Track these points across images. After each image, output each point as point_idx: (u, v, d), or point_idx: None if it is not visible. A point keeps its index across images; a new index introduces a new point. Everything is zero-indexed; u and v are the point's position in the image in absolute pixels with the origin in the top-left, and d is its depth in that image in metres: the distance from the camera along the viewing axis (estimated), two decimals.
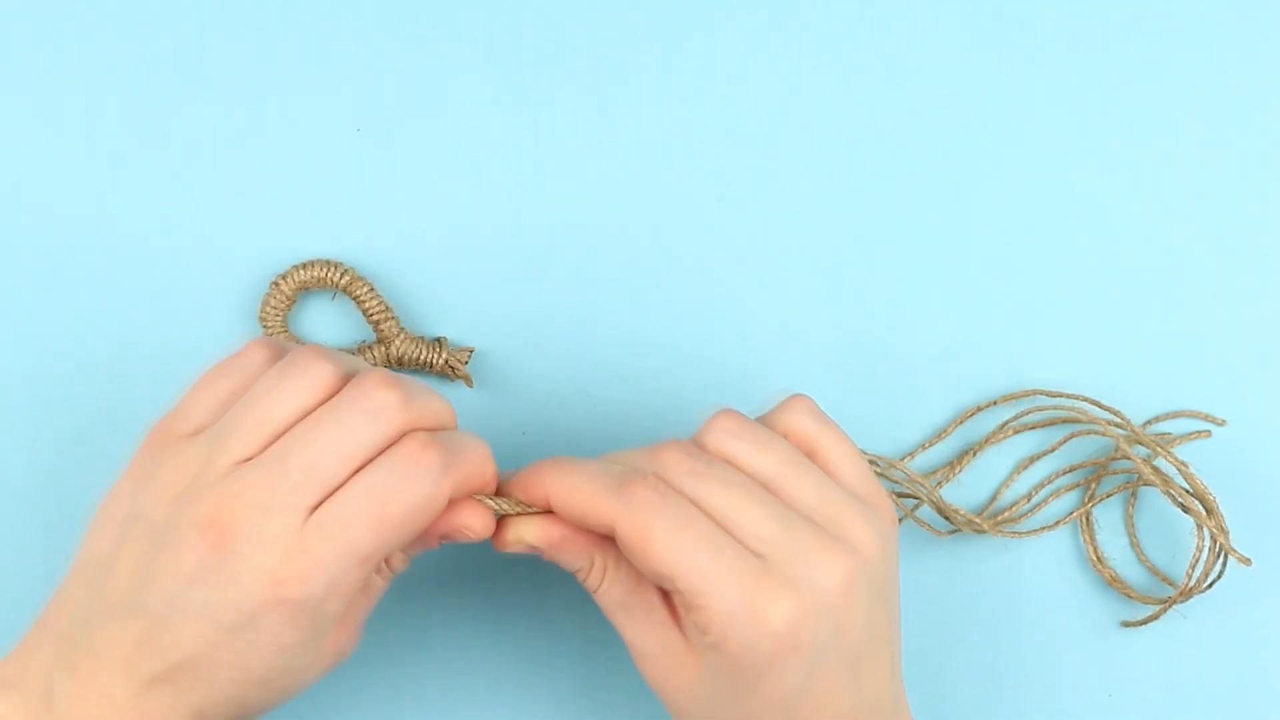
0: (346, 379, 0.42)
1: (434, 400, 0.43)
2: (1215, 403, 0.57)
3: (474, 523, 0.43)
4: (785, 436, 0.44)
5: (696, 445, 0.44)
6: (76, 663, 0.41)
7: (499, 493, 0.45)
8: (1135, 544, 0.56)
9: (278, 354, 0.44)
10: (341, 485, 0.40)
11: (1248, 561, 0.52)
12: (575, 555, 0.45)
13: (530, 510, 0.44)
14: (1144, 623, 0.54)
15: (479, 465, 0.43)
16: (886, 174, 0.57)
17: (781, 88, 0.57)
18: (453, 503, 0.43)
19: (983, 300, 0.57)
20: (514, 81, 0.57)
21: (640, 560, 0.42)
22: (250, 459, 0.41)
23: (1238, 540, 0.54)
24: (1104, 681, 0.55)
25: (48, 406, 0.54)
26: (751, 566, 0.41)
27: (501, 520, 0.45)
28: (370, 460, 0.41)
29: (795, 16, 0.58)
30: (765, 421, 0.45)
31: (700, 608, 0.41)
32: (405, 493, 0.40)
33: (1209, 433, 0.56)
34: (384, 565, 0.44)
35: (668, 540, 0.41)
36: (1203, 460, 0.56)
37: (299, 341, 0.54)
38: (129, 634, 0.40)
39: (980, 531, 0.54)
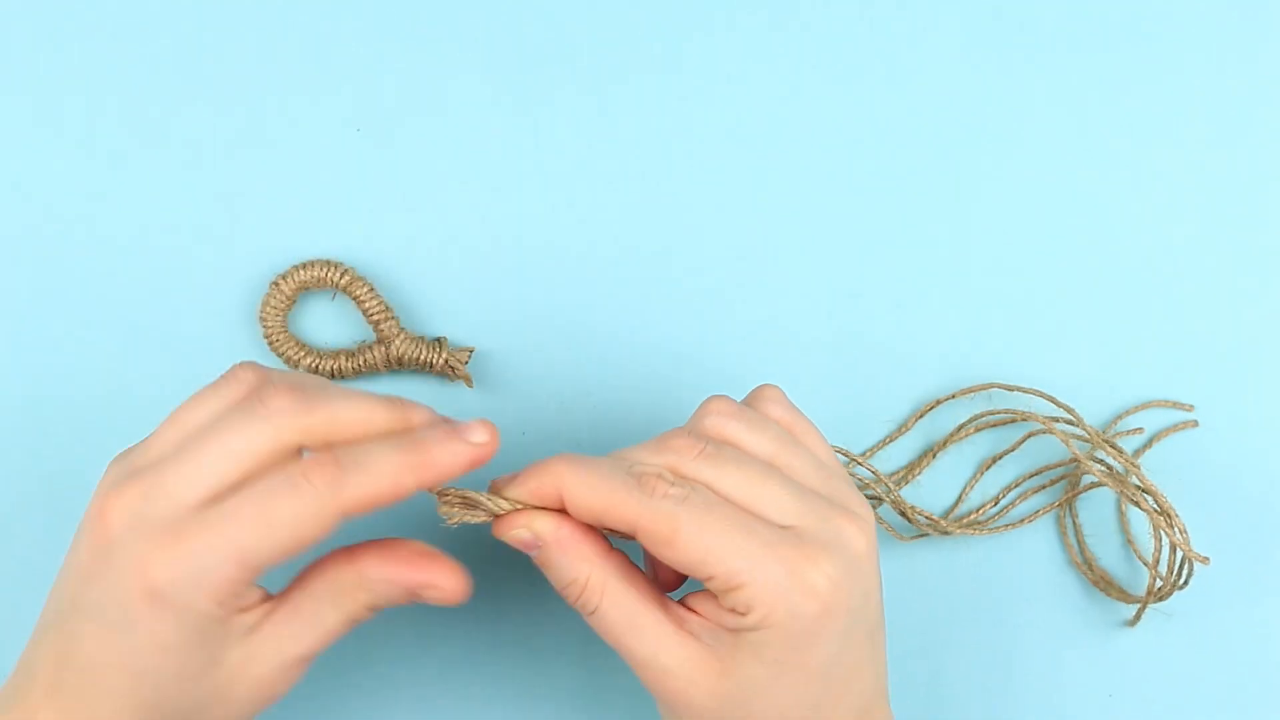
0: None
1: (352, 407, 0.42)
2: (1183, 396, 0.57)
3: (443, 582, 0.43)
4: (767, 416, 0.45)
5: (696, 430, 0.44)
6: (14, 697, 0.42)
7: (495, 491, 0.44)
8: (1131, 542, 0.56)
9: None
10: (235, 489, 0.40)
11: (1206, 560, 0.51)
12: (575, 563, 0.43)
13: (531, 507, 0.44)
14: (1131, 624, 0.55)
15: (386, 483, 0.41)
16: (871, 175, 0.57)
17: (779, 88, 0.57)
18: (422, 558, 0.43)
19: (954, 297, 0.57)
20: (514, 81, 0.57)
21: (670, 554, 0.41)
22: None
23: (1221, 538, 0.54)
24: (1104, 681, 0.55)
25: (48, 406, 0.54)
26: (786, 538, 0.41)
27: (508, 513, 0.44)
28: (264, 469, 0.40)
29: (795, 17, 0.58)
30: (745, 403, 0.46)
31: (741, 587, 0.41)
32: (289, 503, 0.39)
33: (1195, 423, 0.56)
34: (344, 603, 0.43)
35: (697, 530, 0.41)
36: (1180, 459, 0.56)
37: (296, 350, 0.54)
38: (51, 649, 0.41)
39: (943, 533, 0.54)
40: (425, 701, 0.54)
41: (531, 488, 0.43)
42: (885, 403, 0.56)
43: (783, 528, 0.42)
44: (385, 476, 0.41)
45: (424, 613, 0.54)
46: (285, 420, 0.41)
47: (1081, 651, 0.55)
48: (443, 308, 0.56)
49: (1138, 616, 0.54)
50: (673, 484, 0.41)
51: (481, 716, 0.54)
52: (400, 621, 0.53)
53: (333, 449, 0.41)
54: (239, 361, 0.44)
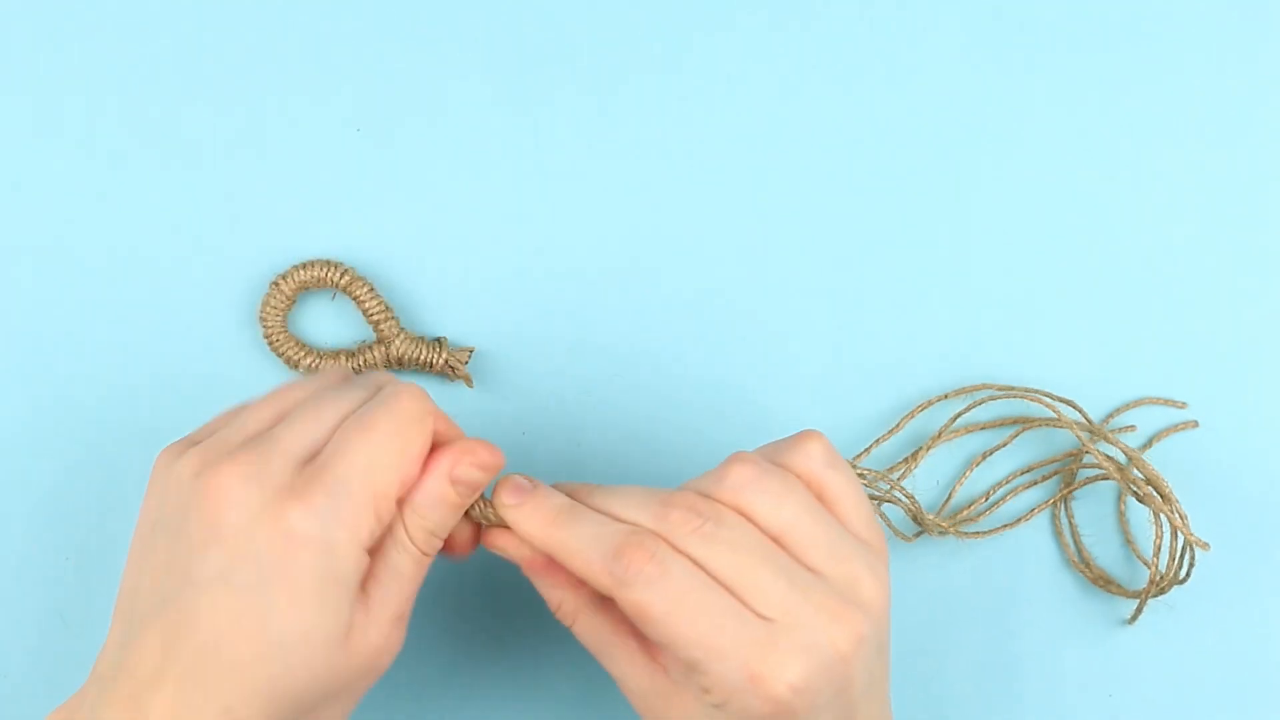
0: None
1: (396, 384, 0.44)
2: (1181, 396, 0.57)
3: (483, 454, 0.43)
4: (796, 477, 0.43)
5: (709, 494, 0.43)
6: (115, 691, 0.40)
7: (495, 497, 0.45)
8: (1130, 541, 0.56)
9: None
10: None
11: (1206, 546, 0.51)
12: (550, 588, 0.45)
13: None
14: (1131, 620, 0.55)
15: (444, 424, 0.44)
16: (870, 175, 0.57)
17: (778, 88, 0.57)
18: (440, 452, 0.43)
19: (952, 295, 0.57)
20: (514, 82, 0.57)
21: (640, 627, 0.41)
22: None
23: (1221, 537, 0.54)
24: (1104, 681, 0.55)
25: (48, 406, 0.54)
26: (756, 635, 0.40)
27: (496, 529, 0.45)
28: None
29: (795, 17, 0.58)
30: (777, 457, 0.44)
31: (704, 674, 0.41)
32: (391, 416, 0.41)
33: (1195, 423, 0.56)
34: (408, 543, 0.43)
35: (667, 613, 0.40)
36: (1179, 458, 0.56)
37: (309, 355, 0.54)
38: (156, 637, 0.40)
39: (943, 533, 0.54)
40: (426, 701, 0.54)
41: (523, 530, 0.44)
42: (882, 402, 0.56)
43: (763, 619, 0.40)
44: (444, 423, 0.44)
45: (424, 613, 0.54)
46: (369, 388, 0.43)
47: (1081, 651, 0.55)
48: (443, 308, 0.56)
49: (1138, 612, 0.54)
50: (651, 560, 0.41)
51: (481, 716, 0.54)
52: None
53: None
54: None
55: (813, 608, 0.41)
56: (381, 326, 0.54)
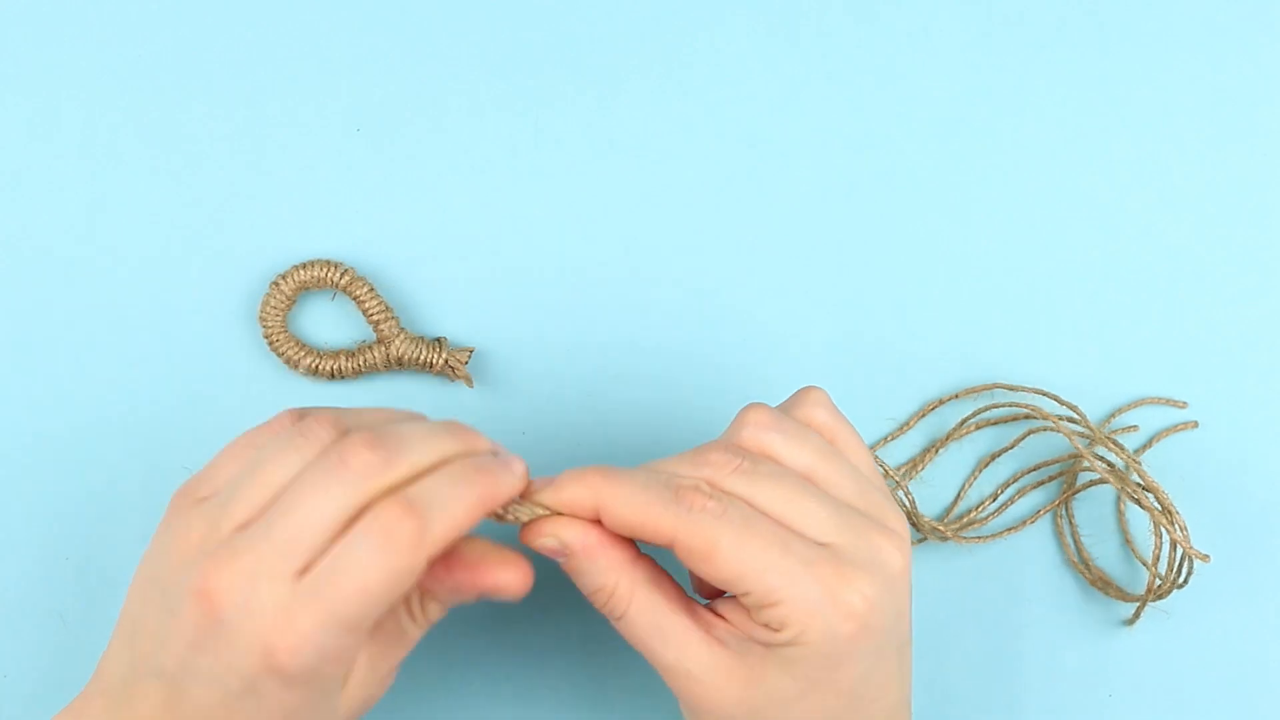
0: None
1: (427, 449, 0.41)
2: (1183, 397, 0.57)
3: (507, 583, 0.42)
4: (808, 425, 0.44)
5: (733, 443, 0.43)
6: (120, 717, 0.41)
7: (527, 496, 0.43)
8: (1129, 542, 0.56)
9: (300, 419, 0.43)
10: (327, 549, 0.40)
11: (1206, 558, 0.51)
12: (603, 570, 0.43)
13: (556, 514, 0.43)
14: (1130, 623, 0.55)
15: (463, 519, 0.41)
16: (873, 176, 0.57)
17: (780, 88, 0.57)
18: (484, 561, 0.42)
19: (955, 296, 0.57)
20: (514, 82, 0.57)
21: (707, 569, 0.41)
22: (247, 524, 0.41)
23: (1220, 537, 0.54)
24: (1103, 681, 0.55)
25: (49, 405, 0.54)
26: (823, 555, 0.41)
27: (537, 520, 0.43)
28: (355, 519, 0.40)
29: (795, 17, 0.58)
30: (786, 410, 0.45)
31: (777, 604, 0.41)
32: (382, 564, 0.39)
33: (1195, 424, 0.56)
34: (419, 614, 0.44)
35: (735, 546, 0.41)
36: (1179, 458, 0.56)
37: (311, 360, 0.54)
38: (156, 695, 0.41)
39: (943, 538, 0.54)
40: (425, 701, 0.54)
41: (566, 498, 0.43)
42: (886, 403, 0.56)
43: (820, 545, 0.41)
44: (461, 514, 0.41)
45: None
46: (370, 482, 0.40)
47: (1081, 651, 0.55)
48: (443, 308, 0.56)
49: (1136, 615, 0.54)
50: (710, 497, 0.41)
51: (482, 716, 0.54)
52: None
53: (407, 495, 0.40)
54: (307, 410, 0.43)
55: (860, 531, 0.42)
56: (381, 326, 0.54)
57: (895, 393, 0.56)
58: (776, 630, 0.41)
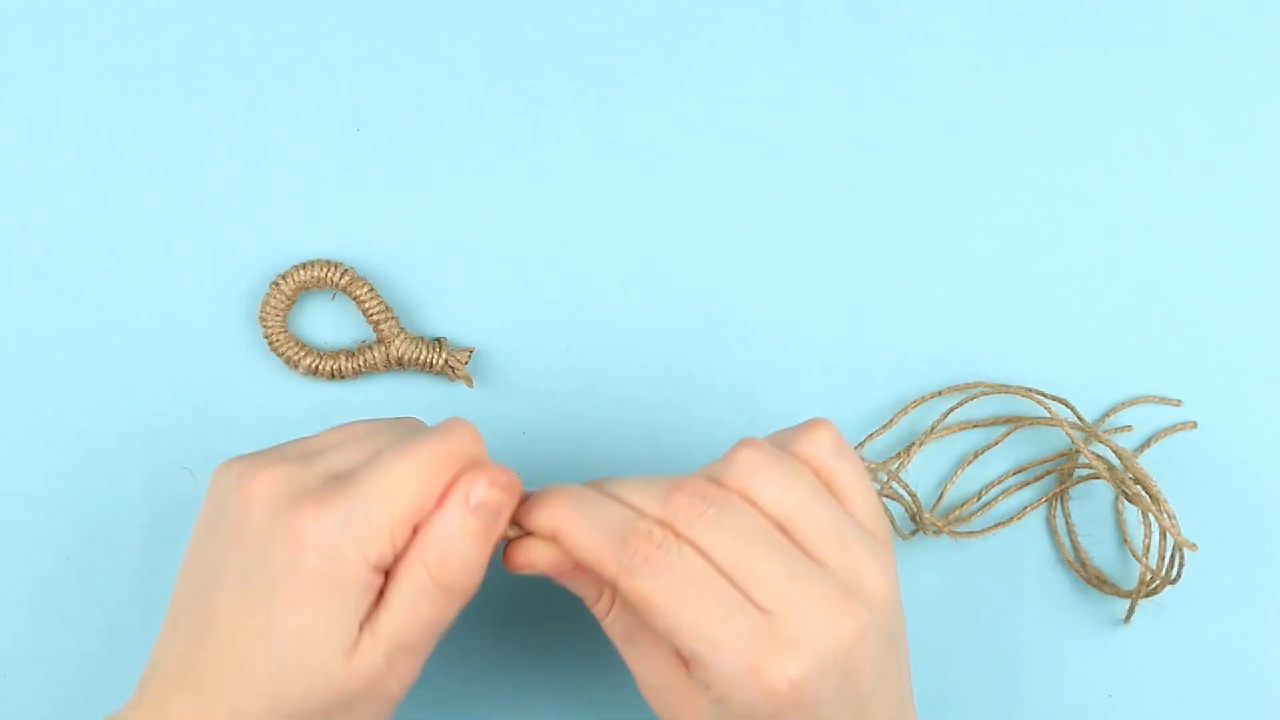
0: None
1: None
2: (1179, 396, 0.57)
3: (498, 475, 0.42)
4: (804, 464, 0.43)
5: (716, 479, 0.42)
6: (146, 691, 0.42)
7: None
8: (1126, 540, 0.56)
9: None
10: (399, 556, 0.42)
11: (1194, 546, 0.51)
12: (584, 585, 0.44)
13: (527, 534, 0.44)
14: (1125, 620, 0.55)
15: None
16: (867, 175, 0.57)
17: (777, 89, 0.57)
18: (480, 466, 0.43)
19: (954, 296, 0.57)
20: (514, 81, 0.57)
21: (642, 616, 0.41)
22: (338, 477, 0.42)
23: (1218, 536, 0.54)
24: (1103, 681, 0.55)
25: (48, 406, 0.54)
26: (756, 627, 0.40)
27: (513, 542, 0.44)
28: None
29: (795, 17, 0.58)
30: (786, 444, 0.44)
31: (704, 667, 0.41)
32: (428, 443, 0.42)
33: (1193, 424, 0.56)
34: (429, 581, 0.43)
35: (669, 603, 0.40)
36: (1176, 457, 0.56)
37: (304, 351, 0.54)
38: (183, 636, 0.42)
39: (940, 533, 0.54)
40: (426, 702, 0.54)
41: (532, 521, 0.43)
42: (879, 400, 0.56)
43: (763, 610, 0.40)
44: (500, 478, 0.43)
45: None
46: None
47: (1079, 650, 0.55)
48: (443, 308, 0.56)
49: (1131, 611, 0.54)
50: (658, 548, 0.41)
51: (481, 716, 0.54)
52: None
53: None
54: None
55: (813, 599, 0.40)
56: (381, 326, 0.54)
57: (893, 392, 0.56)
58: (705, 688, 0.41)
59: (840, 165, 0.57)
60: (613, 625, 0.45)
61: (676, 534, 0.41)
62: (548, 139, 0.57)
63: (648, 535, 0.41)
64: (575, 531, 0.42)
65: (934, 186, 0.57)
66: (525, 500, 0.44)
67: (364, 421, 0.45)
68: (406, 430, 0.44)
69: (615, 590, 0.44)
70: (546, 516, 0.43)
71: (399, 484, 0.41)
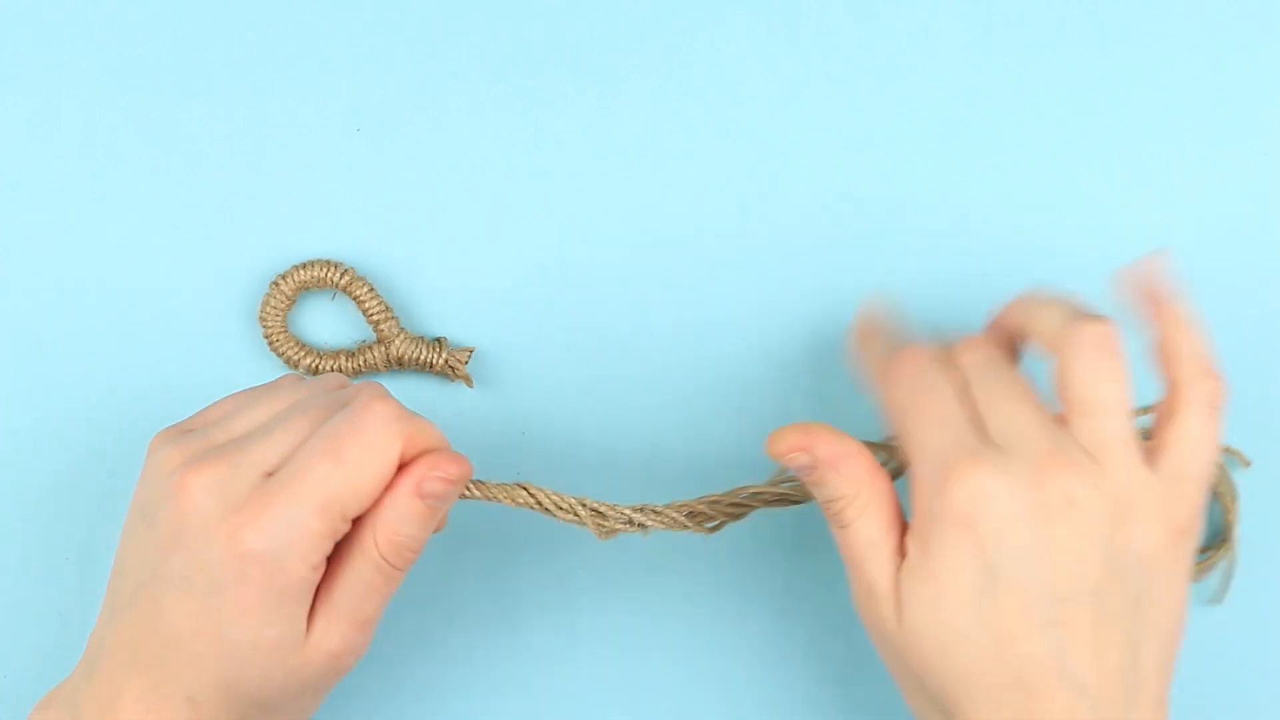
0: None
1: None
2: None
3: (449, 467, 0.43)
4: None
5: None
6: (96, 674, 0.42)
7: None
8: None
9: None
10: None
11: (1248, 462, 0.52)
12: (848, 480, 0.44)
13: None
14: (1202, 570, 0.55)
15: (433, 430, 0.44)
16: (869, 175, 0.57)
17: (779, 87, 0.57)
18: (428, 454, 0.43)
19: (954, 295, 0.57)
20: (514, 82, 0.57)
21: (883, 401, 0.44)
22: (225, 446, 0.43)
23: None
24: None
25: (48, 405, 0.54)
26: (971, 445, 0.41)
27: (784, 429, 0.45)
28: None
29: (795, 17, 0.58)
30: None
31: (911, 476, 0.42)
32: (357, 437, 0.41)
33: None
34: (380, 559, 0.43)
35: (903, 405, 0.43)
36: None
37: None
38: (131, 626, 0.42)
39: None
40: (426, 701, 0.54)
41: (995, 326, 0.48)
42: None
43: (991, 444, 0.42)
44: (431, 428, 0.44)
45: (423, 612, 0.54)
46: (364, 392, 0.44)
47: None
48: (443, 308, 0.56)
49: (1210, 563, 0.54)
50: (916, 361, 0.45)
51: (481, 716, 0.54)
52: (400, 621, 0.53)
53: (380, 387, 0.45)
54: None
55: (1038, 447, 0.41)
56: (381, 326, 0.54)
57: None
58: (913, 497, 0.43)
59: (840, 165, 0.57)
60: (862, 531, 0.44)
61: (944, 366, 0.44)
62: (548, 139, 0.57)
63: (915, 352, 0.45)
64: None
65: (934, 186, 0.57)
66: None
67: (286, 388, 0.45)
68: (326, 405, 0.44)
69: (874, 493, 0.44)
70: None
71: (333, 486, 0.41)
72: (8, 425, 0.54)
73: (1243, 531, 0.56)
